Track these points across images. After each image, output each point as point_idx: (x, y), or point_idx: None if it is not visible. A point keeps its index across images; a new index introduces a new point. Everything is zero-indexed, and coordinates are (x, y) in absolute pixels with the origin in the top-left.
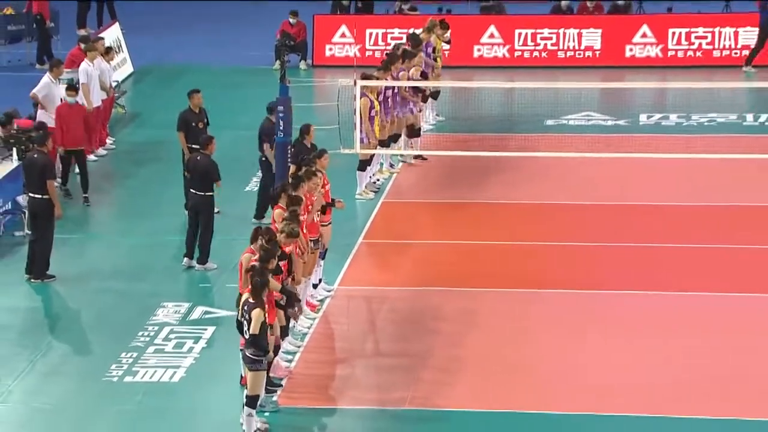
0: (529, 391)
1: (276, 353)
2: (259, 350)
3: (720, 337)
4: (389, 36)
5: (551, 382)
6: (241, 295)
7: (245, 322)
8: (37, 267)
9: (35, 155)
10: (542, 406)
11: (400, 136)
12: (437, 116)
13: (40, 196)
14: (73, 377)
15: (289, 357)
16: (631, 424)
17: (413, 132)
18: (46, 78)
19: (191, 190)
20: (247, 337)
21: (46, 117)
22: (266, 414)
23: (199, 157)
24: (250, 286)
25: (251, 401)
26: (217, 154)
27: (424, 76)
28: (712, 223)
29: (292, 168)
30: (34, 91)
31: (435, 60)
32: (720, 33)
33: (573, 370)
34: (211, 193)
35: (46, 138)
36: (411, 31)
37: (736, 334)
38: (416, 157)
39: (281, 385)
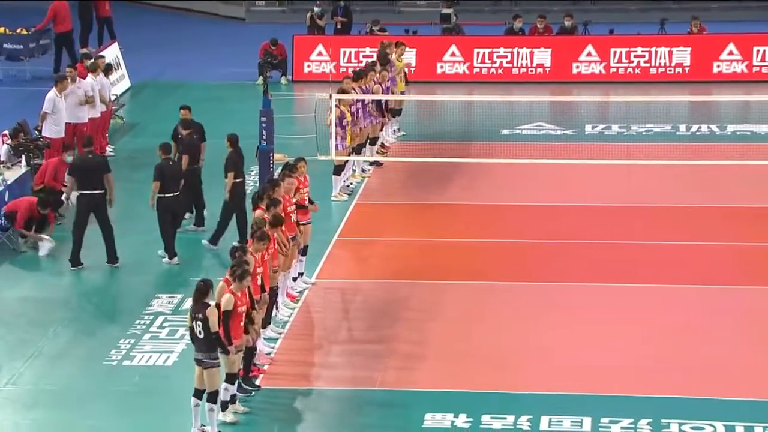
0: (488, 373)
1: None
2: (214, 351)
3: (665, 323)
4: (361, 54)
5: (508, 364)
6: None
7: (198, 324)
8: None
9: (89, 155)
10: (500, 386)
11: (373, 143)
12: (398, 130)
13: (100, 192)
14: (77, 361)
15: (272, 344)
16: (584, 403)
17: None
18: (52, 93)
19: (166, 194)
20: (201, 337)
21: (54, 130)
22: (246, 399)
23: (171, 163)
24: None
25: (211, 397)
26: (205, 160)
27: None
28: (649, 222)
29: (230, 177)
30: (43, 109)
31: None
32: (656, 52)
33: (527, 353)
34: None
35: (93, 140)
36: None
37: (680, 320)
38: (372, 163)
39: (253, 390)
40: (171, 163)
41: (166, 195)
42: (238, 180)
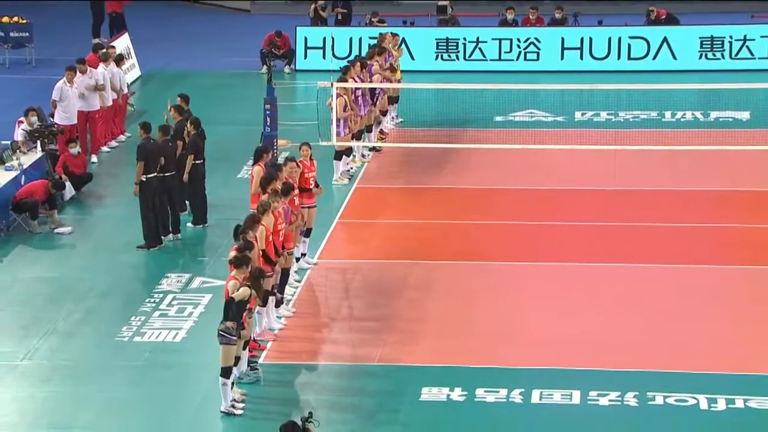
0: (482, 348)
1: (244, 348)
2: (226, 322)
3: (652, 301)
4: (361, 45)
5: (501, 340)
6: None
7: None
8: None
9: (152, 140)
10: (493, 361)
11: (370, 128)
12: (396, 117)
13: (172, 174)
14: (90, 337)
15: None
16: (573, 377)
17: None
18: (60, 82)
19: (166, 174)
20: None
21: (64, 117)
22: (244, 383)
23: (164, 143)
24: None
25: (224, 372)
26: (212, 145)
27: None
28: (634, 205)
29: (190, 159)
30: (52, 97)
31: (392, 67)
32: (643, 42)
33: (519, 329)
34: None
35: (149, 127)
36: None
37: (665, 298)
38: (371, 149)
39: (257, 369)
40: (169, 144)
41: (149, 176)
42: (198, 162)
